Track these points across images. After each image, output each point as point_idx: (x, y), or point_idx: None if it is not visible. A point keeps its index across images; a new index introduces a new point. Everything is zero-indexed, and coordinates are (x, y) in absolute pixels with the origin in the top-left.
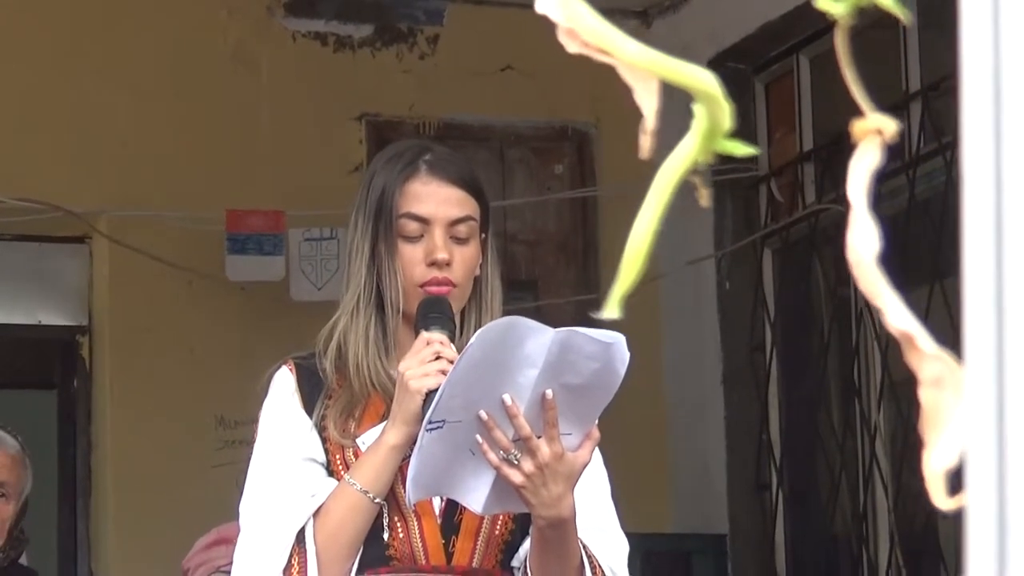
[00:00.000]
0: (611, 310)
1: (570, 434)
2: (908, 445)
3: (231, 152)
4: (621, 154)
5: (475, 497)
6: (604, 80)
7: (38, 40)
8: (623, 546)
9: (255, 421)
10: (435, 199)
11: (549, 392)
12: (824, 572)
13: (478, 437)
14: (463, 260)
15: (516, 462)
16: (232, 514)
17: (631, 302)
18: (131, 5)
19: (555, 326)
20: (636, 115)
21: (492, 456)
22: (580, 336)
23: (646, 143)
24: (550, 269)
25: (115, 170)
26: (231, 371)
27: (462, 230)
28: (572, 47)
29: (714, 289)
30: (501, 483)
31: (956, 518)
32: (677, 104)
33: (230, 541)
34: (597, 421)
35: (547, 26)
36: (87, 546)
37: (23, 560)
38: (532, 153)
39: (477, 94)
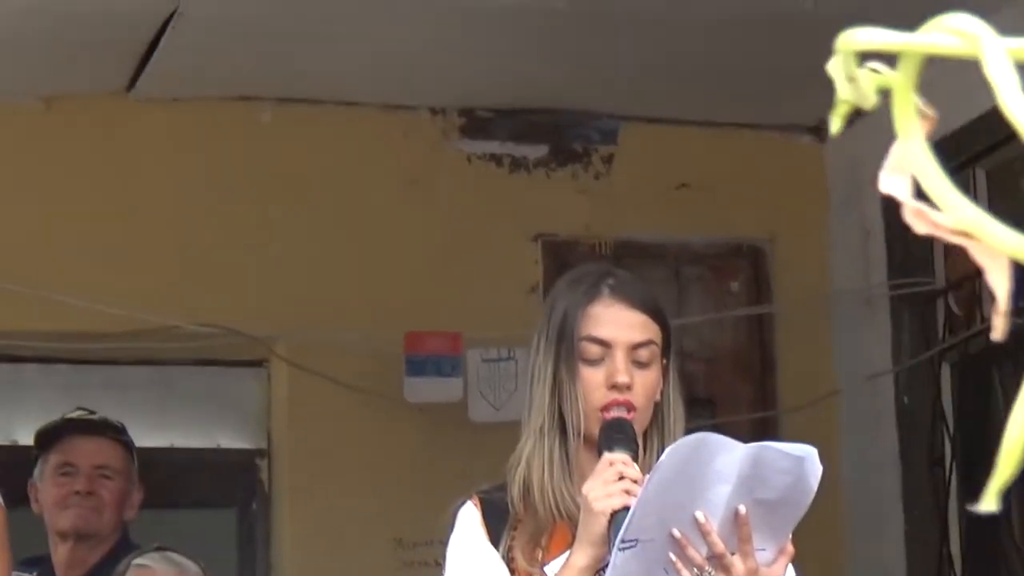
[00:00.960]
0: (988, 503)
1: (764, 549)
2: None
3: (408, 274)
4: (796, 270)
5: None
6: (779, 196)
7: (217, 163)
8: None
9: (434, 543)
10: (617, 323)
11: (742, 508)
12: None
13: (671, 555)
14: (644, 384)
15: None
16: None
17: (810, 417)
18: (306, 129)
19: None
20: (812, 231)
21: (686, 574)
22: (772, 451)
23: (1000, 323)
24: (727, 386)
25: (293, 294)
26: (409, 492)
27: (643, 354)
28: (921, 228)
29: (893, 404)
30: None
31: None
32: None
33: None
34: (791, 535)
35: (720, 143)
36: None
37: None
38: (708, 270)
39: (652, 212)
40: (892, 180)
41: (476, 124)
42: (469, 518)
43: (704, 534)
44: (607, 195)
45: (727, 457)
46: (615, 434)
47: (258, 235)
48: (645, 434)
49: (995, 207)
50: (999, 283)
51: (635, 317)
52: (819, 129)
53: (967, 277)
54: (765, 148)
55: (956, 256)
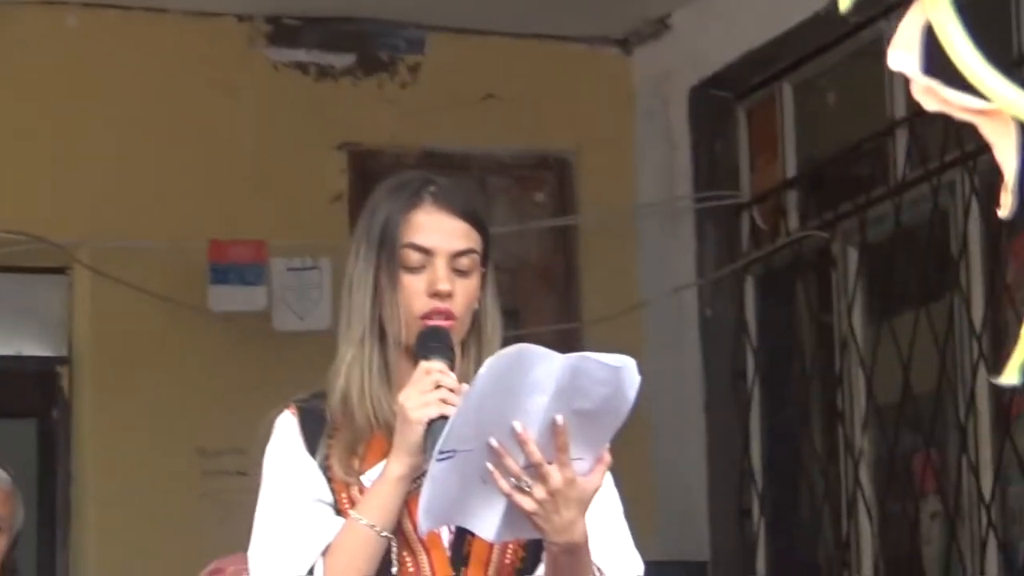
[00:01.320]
0: (1010, 376)
1: (582, 459)
2: (892, 470)
3: (213, 182)
4: (601, 182)
5: (487, 525)
6: (585, 108)
7: (18, 73)
8: (638, 567)
9: (236, 452)
10: (439, 231)
11: (559, 418)
12: None
13: (489, 465)
14: (464, 293)
15: (528, 489)
16: (214, 543)
17: (614, 329)
18: (112, 36)
19: None
20: (617, 143)
21: (503, 484)
22: (590, 361)
23: (1006, 201)
24: (532, 297)
25: (96, 201)
26: (212, 401)
27: (464, 263)
28: (930, 104)
29: (696, 316)
30: (513, 510)
31: (940, 545)
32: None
33: (223, 571)
34: (608, 445)
35: (527, 54)
36: None
37: None
38: (513, 181)
39: (458, 123)
40: (901, 57)
41: (283, 32)
42: (286, 427)
43: (521, 444)
44: (413, 105)
45: (546, 367)
46: (431, 342)
47: (61, 141)
48: (463, 343)
49: (801, 120)
50: (1008, 161)
51: (457, 225)
52: (626, 42)
53: (772, 191)
54: (572, 60)
55: (761, 170)
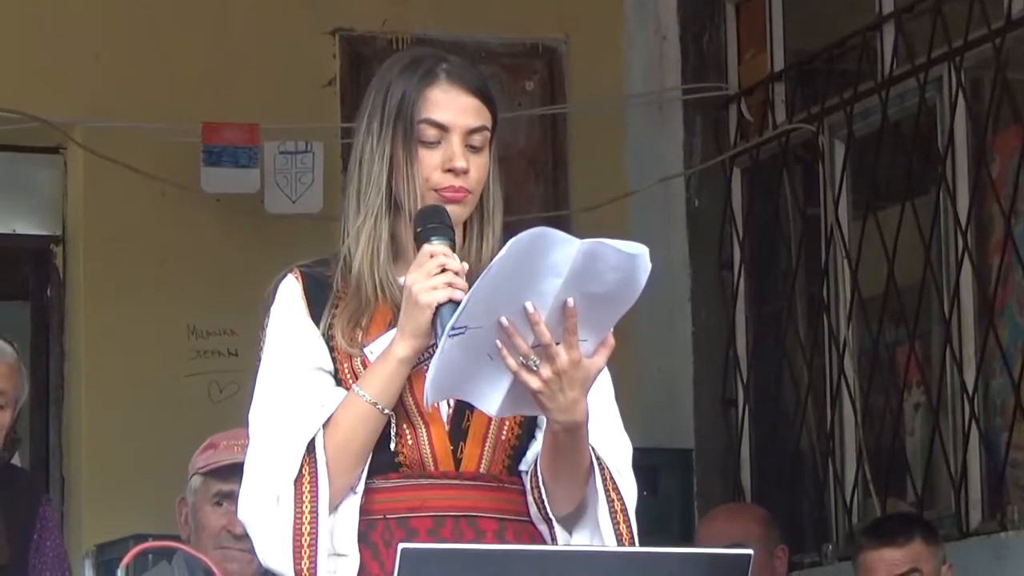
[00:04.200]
0: None
1: (586, 340)
2: (877, 362)
3: (206, 64)
4: (591, 72)
5: (490, 401)
6: None
7: None
8: (627, 448)
9: (227, 332)
10: (454, 107)
11: (571, 300)
12: (790, 488)
13: (498, 342)
14: (478, 169)
15: (535, 368)
16: (204, 422)
17: (602, 218)
18: None
19: None
20: (607, 33)
21: (511, 361)
22: (606, 247)
23: None
24: (520, 185)
25: (90, 81)
26: (204, 282)
27: (478, 139)
28: None
29: (683, 207)
30: (517, 388)
31: (923, 435)
32: (647, 23)
33: (216, 444)
34: (612, 329)
35: None
36: (59, 453)
37: (15, 460)
38: (503, 70)
39: (449, 10)
40: None
41: None
42: (290, 291)
43: (532, 324)
44: None
45: (563, 251)
46: (431, 223)
47: (57, 22)
48: (467, 221)
49: (789, 14)
50: None
51: (471, 102)
52: None
53: (760, 83)
54: None
55: (749, 63)
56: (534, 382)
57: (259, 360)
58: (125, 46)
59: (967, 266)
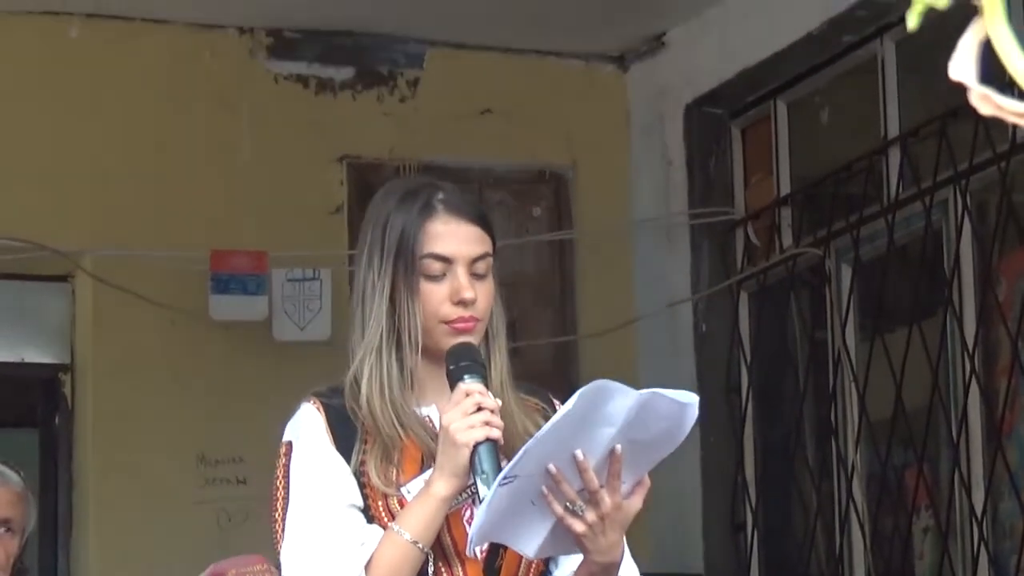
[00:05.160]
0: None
1: (624, 482)
2: (885, 485)
3: (214, 192)
4: (598, 197)
5: (529, 544)
6: (582, 124)
7: (21, 80)
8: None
9: (236, 460)
10: (456, 238)
11: (619, 447)
12: None
13: (544, 488)
14: (485, 296)
15: (580, 512)
16: (212, 550)
17: (610, 344)
18: (114, 45)
19: (533, 367)
20: (614, 159)
21: (557, 507)
22: (662, 398)
23: None
24: (528, 311)
25: (99, 209)
26: (213, 410)
27: (481, 267)
28: (985, 109)
29: (691, 331)
30: (558, 530)
31: (932, 559)
32: (653, 148)
33: (224, 573)
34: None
35: (525, 70)
36: None
37: None
38: (510, 195)
39: (456, 137)
40: (960, 66)
41: (283, 44)
42: (313, 423)
43: (582, 471)
44: (412, 118)
45: (620, 402)
46: (463, 361)
47: (65, 151)
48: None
49: (795, 138)
50: None
51: (472, 230)
52: (622, 59)
53: (767, 207)
54: (569, 76)
55: (755, 187)
56: (579, 526)
57: (276, 488)
58: (132, 174)
59: (975, 389)
